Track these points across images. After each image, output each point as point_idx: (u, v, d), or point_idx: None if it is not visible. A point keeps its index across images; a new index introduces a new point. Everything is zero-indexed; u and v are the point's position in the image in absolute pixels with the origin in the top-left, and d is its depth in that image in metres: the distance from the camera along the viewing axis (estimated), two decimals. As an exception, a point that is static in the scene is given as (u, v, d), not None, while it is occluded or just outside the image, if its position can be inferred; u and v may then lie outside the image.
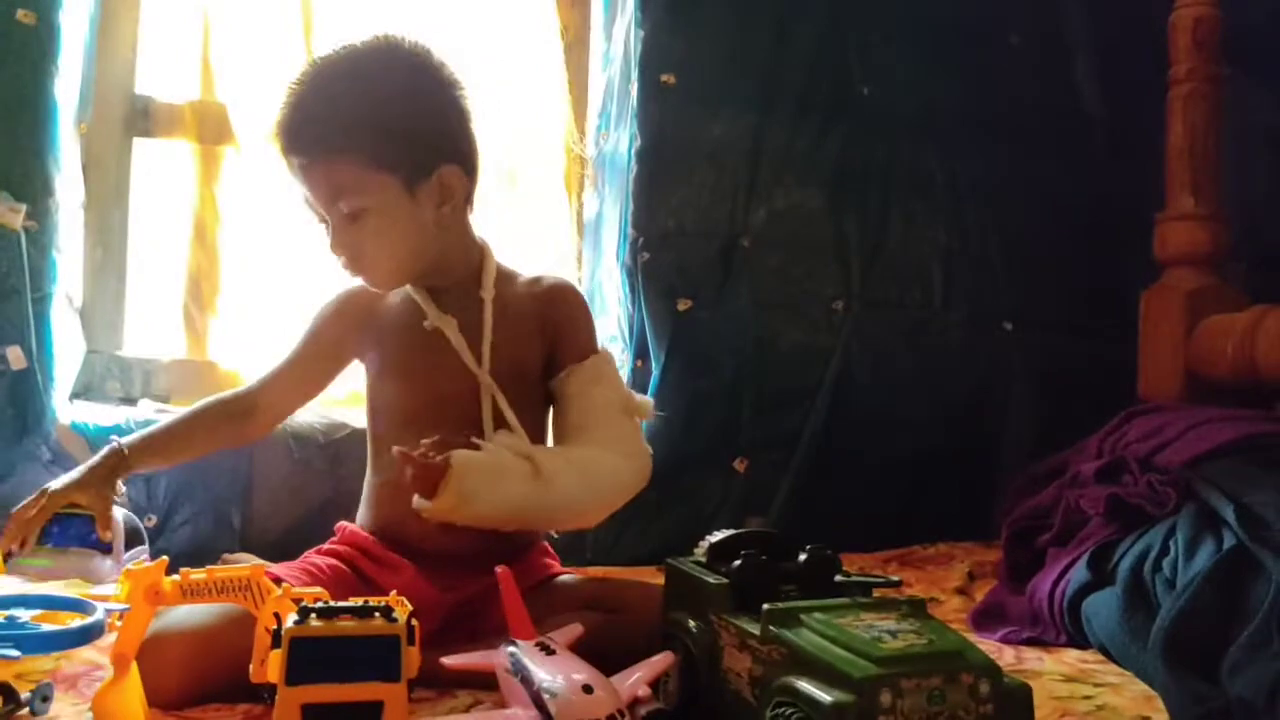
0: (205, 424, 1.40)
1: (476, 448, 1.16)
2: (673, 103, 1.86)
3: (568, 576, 1.34)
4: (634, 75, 1.87)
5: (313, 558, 1.29)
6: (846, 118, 1.95)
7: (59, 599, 0.96)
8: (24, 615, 0.89)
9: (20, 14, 1.56)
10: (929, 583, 1.62)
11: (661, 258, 1.85)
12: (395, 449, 1.13)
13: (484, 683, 1.07)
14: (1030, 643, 1.35)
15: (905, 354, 1.97)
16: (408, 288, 1.34)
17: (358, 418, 1.66)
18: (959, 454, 1.96)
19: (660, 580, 1.53)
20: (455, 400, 1.30)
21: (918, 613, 0.91)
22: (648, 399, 1.36)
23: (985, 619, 1.42)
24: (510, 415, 1.29)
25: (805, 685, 0.81)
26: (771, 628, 0.88)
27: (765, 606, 0.90)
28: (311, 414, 1.74)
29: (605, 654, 0.99)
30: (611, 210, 1.92)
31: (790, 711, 0.81)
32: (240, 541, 1.64)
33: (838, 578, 0.99)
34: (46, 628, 0.89)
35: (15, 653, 0.83)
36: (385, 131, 1.23)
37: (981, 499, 1.90)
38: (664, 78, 1.86)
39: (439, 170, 1.26)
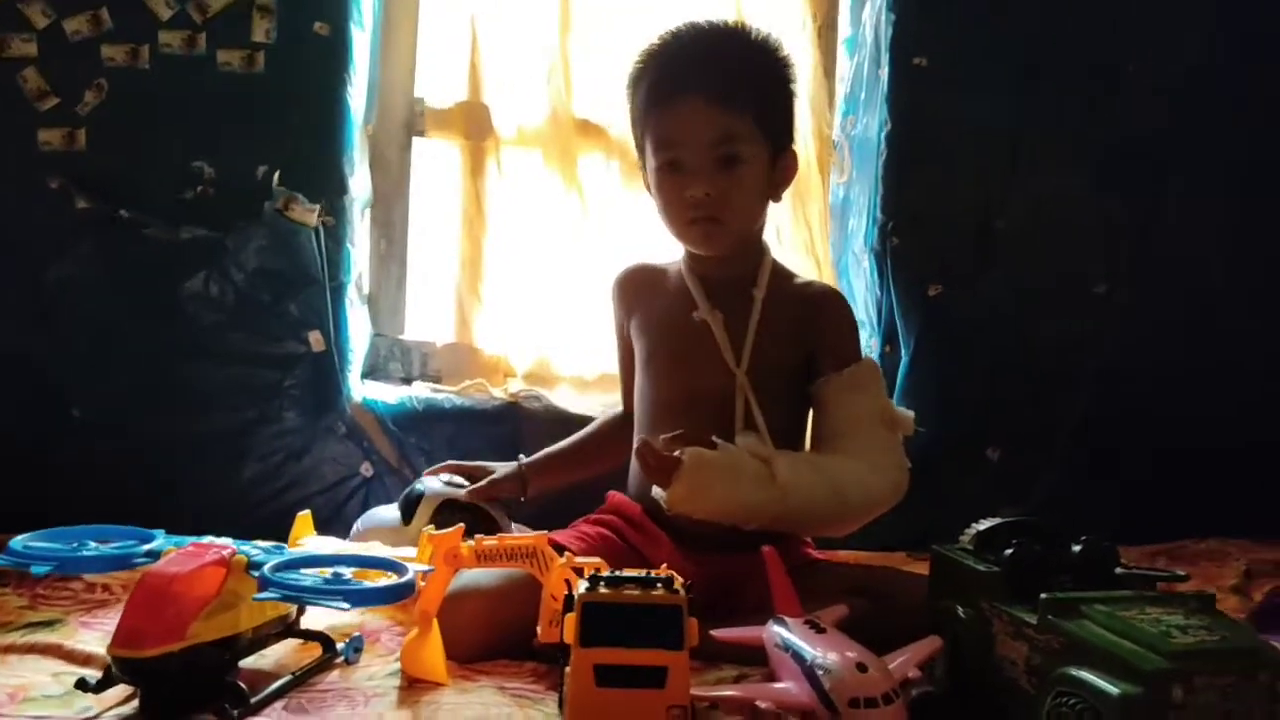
0: (598, 440, 1.55)
1: (713, 446, 1.20)
2: (925, 85, 1.83)
3: (827, 561, 1.37)
4: (884, 59, 1.85)
5: (582, 526, 1.37)
6: (1110, 94, 1.86)
7: (372, 559, 1.06)
8: (346, 572, 0.99)
9: (317, 26, 1.71)
10: (1203, 579, 1.53)
11: (912, 242, 1.83)
12: (637, 439, 1.19)
13: (749, 657, 1.11)
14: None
15: (1177, 342, 1.86)
16: (684, 277, 1.39)
17: (612, 403, 1.73)
18: (1233, 448, 1.85)
19: (911, 567, 1.54)
20: (711, 395, 1.34)
21: (1207, 608, 0.89)
22: (909, 414, 1.36)
23: (1272, 619, 1.34)
24: (759, 417, 1.32)
25: (1089, 676, 0.80)
26: (1050, 617, 0.88)
27: (1043, 595, 0.89)
28: (567, 400, 1.83)
29: (867, 639, 0.99)
30: (859, 195, 1.92)
31: (1074, 702, 0.80)
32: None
33: (1118, 570, 0.97)
34: (368, 584, 0.99)
35: (345, 605, 0.93)
36: (775, 100, 1.35)
37: (1256, 495, 1.79)
38: (916, 60, 1.83)
39: (788, 151, 1.37)
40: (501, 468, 1.53)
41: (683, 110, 1.30)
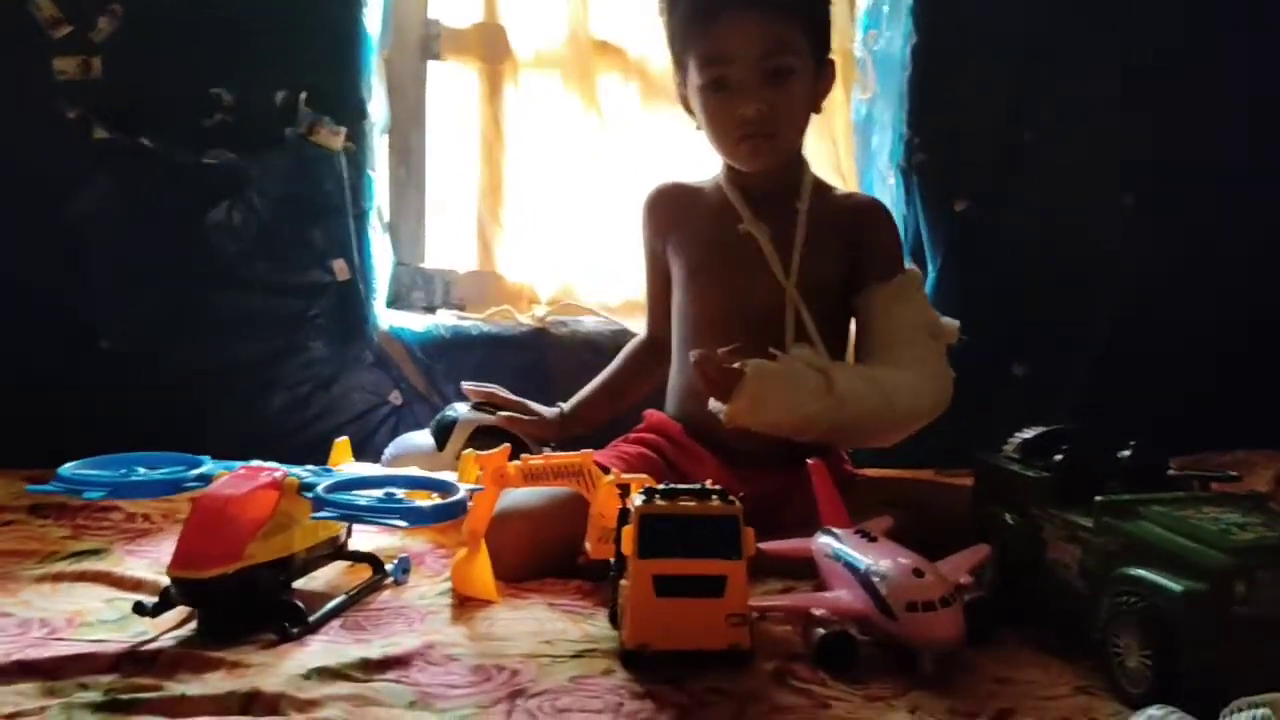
0: (630, 370, 1.52)
1: (773, 358, 1.20)
2: (951, -3, 1.80)
3: (864, 476, 1.37)
4: (908, -29, 1.81)
5: (621, 446, 1.37)
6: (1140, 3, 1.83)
7: (421, 479, 1.06)
8: (399, 492, 0.99)
9: (333, -54, 1.67)
10: (1233, 488, 1.54)
11: (938, 157, 1.80)
12: (692, 352, 1.18)
13: (795, 570, 1.12)
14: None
15: (1205, 256, 1.84)
16: (724, 191, 1.37)
17: (639, 325, 1.72)
18: (1260, 361, 1.85)
19: (942, 480, 1.55)
20: (759, 308, 1.34)
21: (1261, 506, 0.89)
22: (954, 322, 1.35)
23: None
24: (811, 328, 1.32)
25: (1151, 575, 0.81)
26: (1107, 519, 0.88)
27: (1098, 498, 0.90)
28: (598, 322, 1.83)
29: (912, 549, 1.00)
30: (883, 111, 1.89)
31: (1136, 600, 0.81)
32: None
33: (1170, 473, 0.98)
34: (421, 503, 0.99)
35: (402, 523, 0.93)
36: (819, 7, 1.34)
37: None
38: (942, -30, 1.79)
39: (828, 62, 1.36)
40: (544, 410, 1.51)
41: (731, 23, 1.27)
